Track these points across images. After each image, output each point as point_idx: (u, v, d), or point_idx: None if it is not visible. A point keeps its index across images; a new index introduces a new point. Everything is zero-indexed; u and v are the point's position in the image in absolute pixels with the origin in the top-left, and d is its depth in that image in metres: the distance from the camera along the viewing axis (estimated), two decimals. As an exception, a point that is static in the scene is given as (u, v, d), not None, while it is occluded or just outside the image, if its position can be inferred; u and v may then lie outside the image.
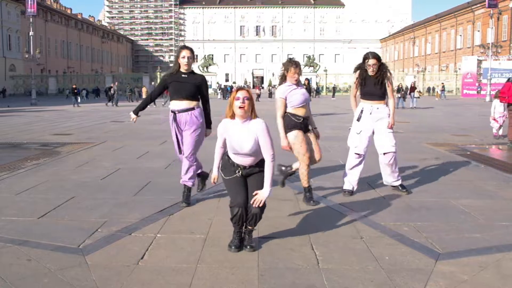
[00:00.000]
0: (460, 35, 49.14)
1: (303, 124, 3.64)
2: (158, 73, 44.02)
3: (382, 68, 3.88)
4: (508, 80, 8.20)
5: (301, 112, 3.63)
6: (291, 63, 3.60)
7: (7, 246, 2.76)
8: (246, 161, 2.64)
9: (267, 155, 2.61)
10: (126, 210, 3.56)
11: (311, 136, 3.73)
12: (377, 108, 3.88)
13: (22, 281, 2.28)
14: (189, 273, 2.39)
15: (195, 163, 3.70)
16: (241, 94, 2.57)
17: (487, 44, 33.58)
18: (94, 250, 2.70)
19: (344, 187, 4.02)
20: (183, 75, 3.65)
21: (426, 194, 4.09)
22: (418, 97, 21.09)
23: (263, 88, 49.95)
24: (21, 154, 6.64)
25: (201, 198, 3.92)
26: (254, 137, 2.57)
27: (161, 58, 72.76)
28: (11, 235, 2.94)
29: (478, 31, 44.80)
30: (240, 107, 2.55)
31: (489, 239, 2.91)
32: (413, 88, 21.27)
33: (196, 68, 47.40)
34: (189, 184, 3.72)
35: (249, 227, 2.68)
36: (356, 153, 3.93)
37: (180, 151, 3.70)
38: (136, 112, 3.83)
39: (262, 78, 70.26)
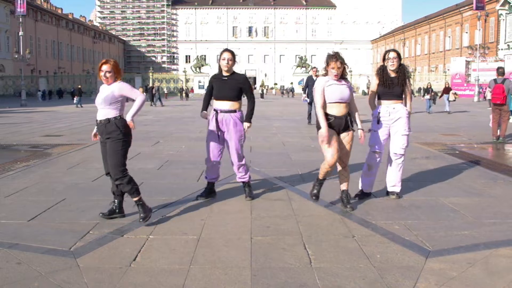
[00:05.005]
0: (449, 37, 49.79)
1: (335, 123, 3.44)
2: (151, 74, 43.74)
3: (403, 68, 3.88)
4: (495, 81, 8.36)
5: (334, 110, 3.44)
6: (330, 57, 3.44)
7: (-3, 249, 2.72)
8: (99, 113, 3.23)
9: (135, 96, 3.28)
10: (118, 211, 3.53)
11: (345, 138, 3.51)
12: (393, 108, 3.82)
13: (11, 285, 2.26)
14: (182, 274, 2.38)
15: (244, 162, 3.86)
16: (104, 68, 3.19)
17: (475, 45, 34.10)
18: (85, 252, 2.68)
19: (363, 190, 3.92)
20: (223, 77, 3.77)
21: (416, 193, 4.14)
22: (454, 100, 17.17)
23: (255, 88, 50.08)
24: (11, 156, 6.55)
25: (193, 199, 3.91)
26: (110, 91, 3.19)
27: (154, 58, 72.26)
28: (1, 238, 2.90)
29: (466, 32, 45.47)
30: (103, 79, 3.21)
31: (477, 236, 2.97)
32: (447, 89, 17.58)
33: (189, 68, 47.39)
34: (246, 179, 3.88)
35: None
36: (374, 152, 3.86)
37: (213, 154, 3.80)
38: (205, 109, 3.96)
39: (254, 78, 70.21)
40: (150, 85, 32.55)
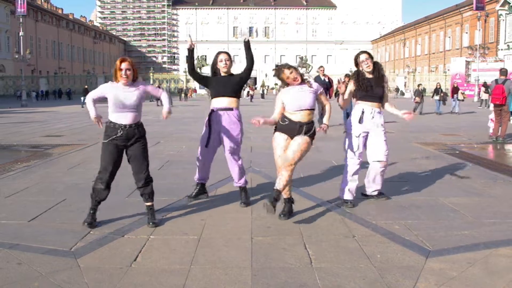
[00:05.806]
0: (449, 37, 49.93)
1: (286, 127, 3.29)
2: (151, 74, 43.91)
3: (377, 66, 3.69)
4: (497, 82, 8.36)
5: (293, 116, 3.27)
6: (277, 71, 3.32)
7: (-3, 249, 2.73)
8: (128, 117, 3.11)
9: (160, 93, 3.42)
10: (119, 211, 3.54)
11: (296, 139, 3.24)
12: (378, 112, 3.65)
13: (12, 285, 2.26)
14: (183, 274, 2.39)
15: (241, 163, 3.72)
16: (124, 66, 3.07)
17: (474, 45, 34.16)
18: (86, 252, 2.69)
19: (345, 197, 3.67)
20: (224, 77, 3.68)
21: (416, 193, 4.15)
22: (462, 100, 16.85)
23: (256, 88, 50.16)
24: (11, 156, 6.57)
25: (193, 199, 3.91)
26: (138, 93, 3.12)
27: (154, 59, 72.42)
28: (1, 239, 2.91)
29: (466, 33, 45.58)
30: (123, 78, 3.07)
31: (477, 236, 2.97)
32: (455, 89, 17.28)
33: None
34: (241, 184, 3.72)
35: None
36: (352, 158, 3.65)
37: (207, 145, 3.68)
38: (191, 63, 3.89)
39: (255, 78, 70.26)
40: (156, 84, 32.79)
